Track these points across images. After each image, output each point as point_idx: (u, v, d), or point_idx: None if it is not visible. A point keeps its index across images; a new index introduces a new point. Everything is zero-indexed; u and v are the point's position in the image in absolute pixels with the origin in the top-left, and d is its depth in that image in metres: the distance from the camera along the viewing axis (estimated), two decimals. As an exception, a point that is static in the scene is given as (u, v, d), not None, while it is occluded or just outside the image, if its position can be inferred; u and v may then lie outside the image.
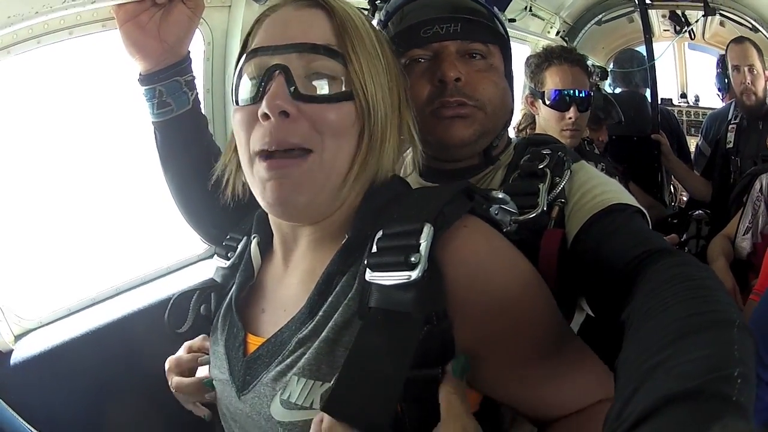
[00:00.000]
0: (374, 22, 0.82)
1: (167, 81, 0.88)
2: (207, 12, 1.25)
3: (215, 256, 0.87)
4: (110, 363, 1.27)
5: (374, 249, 0.61)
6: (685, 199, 3.36)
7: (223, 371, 0.73)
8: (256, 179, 0.66)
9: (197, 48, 1.47)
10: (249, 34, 0.71)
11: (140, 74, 0.89)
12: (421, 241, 0.57)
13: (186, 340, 0.87)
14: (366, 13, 1.34)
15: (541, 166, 0.86)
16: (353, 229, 0.67)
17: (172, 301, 0.81)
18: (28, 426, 0.97)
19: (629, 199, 0.85)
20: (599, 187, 0.86)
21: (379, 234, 0.62)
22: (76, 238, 1.55)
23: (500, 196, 0.73)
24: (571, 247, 0.81)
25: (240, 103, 0.68)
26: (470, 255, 0.62)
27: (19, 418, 0.97)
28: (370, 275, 0.60)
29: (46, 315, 1.30)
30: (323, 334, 0.63)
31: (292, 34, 0.66)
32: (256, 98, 0.65)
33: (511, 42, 0.97)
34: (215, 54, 1.53)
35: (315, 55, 0.65)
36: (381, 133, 0.68)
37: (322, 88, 0.65)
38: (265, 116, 0.63)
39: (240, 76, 0.69)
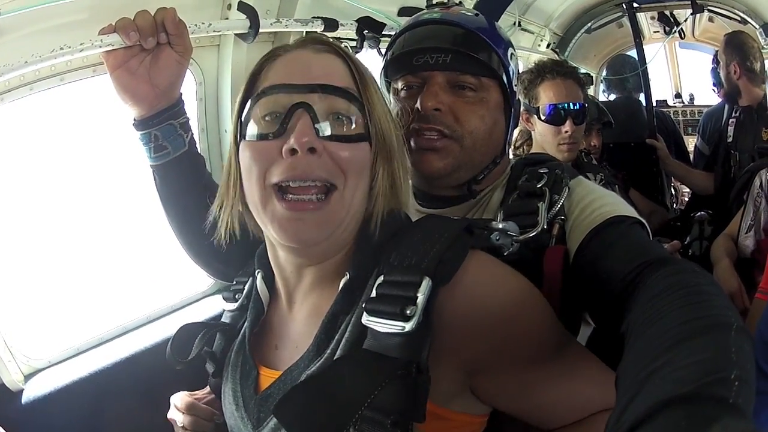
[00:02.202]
0: (363, 53, 0.84)
1: (162, 125, 0.88)
2: (196, 52, 1.25)
3: (223, 300, 0.87)
4: (118, 401, 1.26)
5: (373, 294, 0.63)
6: (686, 200, 3.35)
7: (237, 407, 0.74)
8: (270, 216, 0.67)
9: (189, 88, 1.47)
10: (257, 71, 0.73)
11: (134, 120, 0.89)
12: (418, 295, 0.59)
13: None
14: (354, 44, 1.37)
15: (539, 186, 0.87)
16: (353, 269, 0.69)
17: (175, 333, 0.82)
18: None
19: (628, 211, 0.86)
20: (597, 201, 0.86)
21: (380, 280, 0.63)
22: (83, 279, 1.56)
23: (500, 226, 0.75)
24: (573, 262, 0.81)
25: (252, 138, 0.69)
26: (471, 306, 0.64)
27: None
28: (366, 319, 0.62)
29: (55, 355, 1.30)
30: None
31: (315, 74, 0.69)
32: (277, 134, 0.66)
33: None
34: (207, 93, 1.53)
35: (336, 97, 0.68)
36: (394, 171, 0.72)
37: (342, 127, 0.68)
38: (292, 151, 0.65)
39: (252, 111, 0.69)
